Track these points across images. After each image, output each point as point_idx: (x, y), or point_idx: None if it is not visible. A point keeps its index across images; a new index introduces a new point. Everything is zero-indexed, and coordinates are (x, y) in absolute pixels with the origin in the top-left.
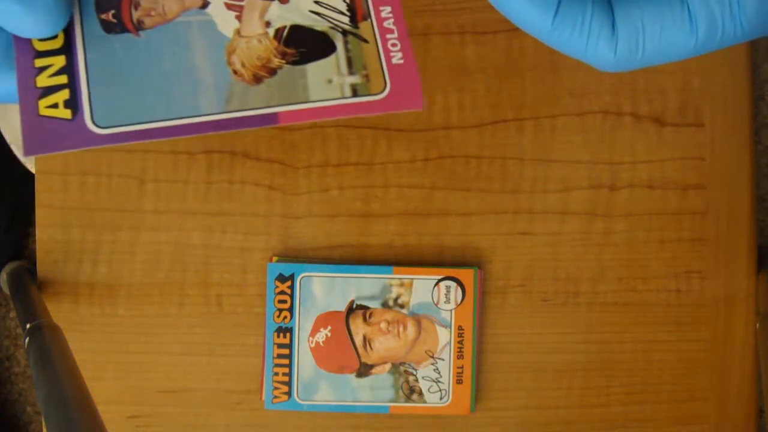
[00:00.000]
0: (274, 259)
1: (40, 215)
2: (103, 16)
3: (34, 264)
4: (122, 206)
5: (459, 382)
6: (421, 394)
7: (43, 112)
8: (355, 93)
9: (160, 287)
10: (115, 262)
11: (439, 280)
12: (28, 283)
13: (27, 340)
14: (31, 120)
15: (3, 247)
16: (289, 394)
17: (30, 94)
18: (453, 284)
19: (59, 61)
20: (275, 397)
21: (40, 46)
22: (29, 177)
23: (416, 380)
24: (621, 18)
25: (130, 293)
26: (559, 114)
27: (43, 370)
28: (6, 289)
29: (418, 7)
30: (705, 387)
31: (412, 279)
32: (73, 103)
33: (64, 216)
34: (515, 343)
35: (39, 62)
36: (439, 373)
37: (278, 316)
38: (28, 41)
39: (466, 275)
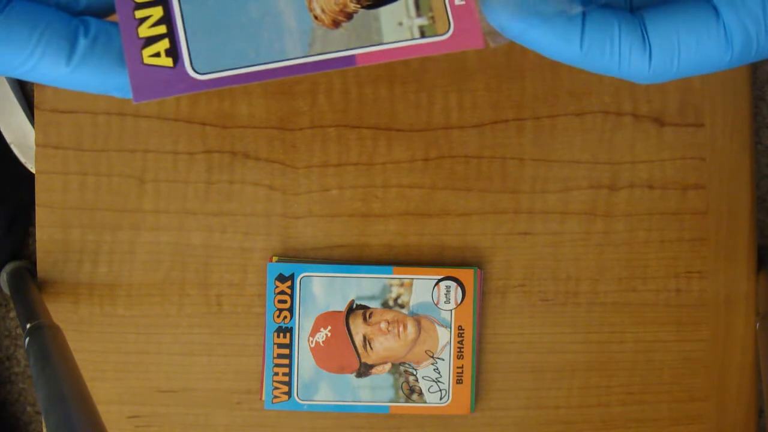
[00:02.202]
0: (274, 259)
1: (40, 215)
2: None
3: (34, 264)
4: (122, 206)
5: (459, 382)
6: (421, 394)
7: (147, 60)
8: (422, 34)
9: (160, 287)
10: (115, 262)
11: (439, 280)
12: (28, 283)
13: (27, 340)
14: (137, 69)
15: (3, 247)
16: (289, 394)
17: (134, 44)
18: (453, 284)
19: (157, 11)
20: (275, 397)
21: None
22: (29, 177)
23: (416, 380)
24: (654, 32)
25: (130, 293)
26: (559, 114)
27: (43, 370)
28: (6, 289)
29: None
30: (705, 387)
31: (412, 279)
32: (173, 52)
33: (64, 216)
34: (515, 343)
35: (139, 13)
36: (439, 373)
37: (278, 316)
38: None
39: (466, 275)
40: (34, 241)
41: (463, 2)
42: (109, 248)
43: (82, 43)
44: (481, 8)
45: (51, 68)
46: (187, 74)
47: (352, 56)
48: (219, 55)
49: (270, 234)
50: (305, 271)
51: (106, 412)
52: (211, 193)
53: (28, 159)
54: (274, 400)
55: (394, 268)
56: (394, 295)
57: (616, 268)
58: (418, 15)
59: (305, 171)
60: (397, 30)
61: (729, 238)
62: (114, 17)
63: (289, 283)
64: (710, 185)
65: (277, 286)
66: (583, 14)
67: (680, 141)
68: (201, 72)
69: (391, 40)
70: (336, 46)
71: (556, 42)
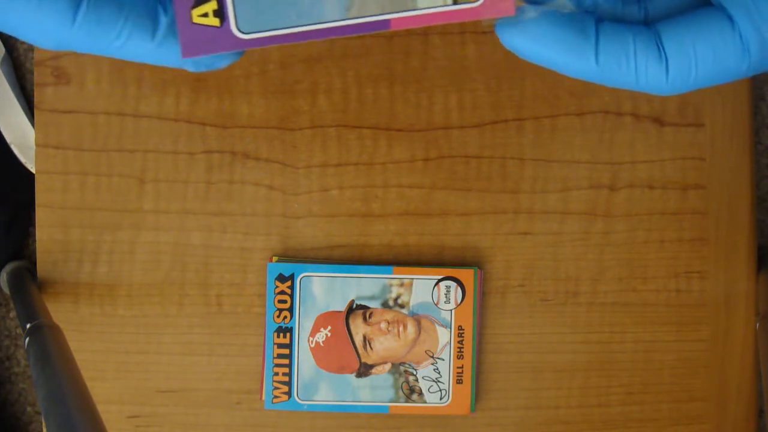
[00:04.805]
0: (274, 259)
1: (40, 215)
2: None
3: (34, 264)
4: (122, 206)
5: (459, 382)
6: (421, 394)
7: (196, 20)
8: (455, 1)
9: (160, 287)
10: (115, 262)
11: (439, 280)
12: (28, 283)
13: (27, 340)
14: (186, 27)
15: (3, 247)
16: (289, 394)
17: (184, 5)
18: (453, 284)
19: None
20: (275, 397)
21: None
22: (29, 177)
23: (416, 380)
24: (670, 44)
25: (130, 293)
26: (559, 114)
27: (43, 370)
28: (6, 289)
29: None
30: (705, 387)
31: (412, 279)
32: (220, 13)
33: (64, 216)
34: (515, 343)
35: None
36: (439, 373)
37: (278, 316)
38: None
39: (466, 275)
40: (34, 241)
41: None
42: (109, 248)
43: (163, 20)
44: (496, 31)
45: (138, 45)
46: (232, 33)
47: (387, 20)
48: (262, 16)
49: (270, 234)
50: (305, 271)
51: (106, 412)
52: (211, 193)
53: (28, 159)
54: (274, 400)
55: (394, 268)
56: (394, 295)
57: (616, 268)
58: None
59: (305, 171)
60: None
61: (729, 238)
62: None
63: (289, 283)
64: (710, 185)
65: (277, 286)
66: (597, 29)
67: (680, 141)
68: (245, 32)
69: (424, 6)
70: (372, 11)
71: (571, 59)
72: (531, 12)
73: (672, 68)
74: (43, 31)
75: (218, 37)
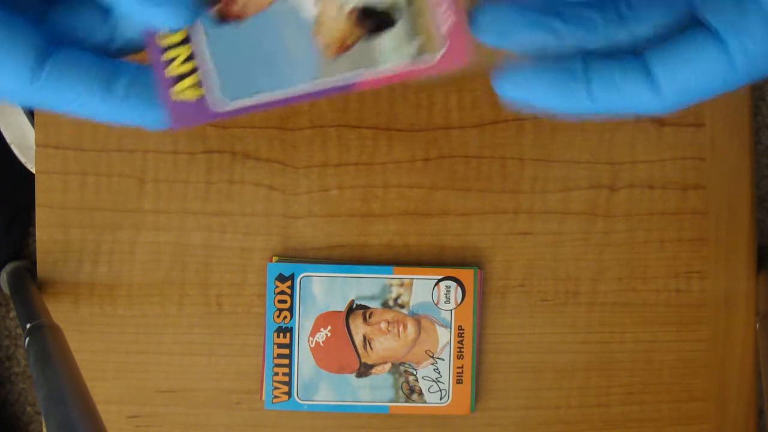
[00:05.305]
0: (274, 259)
1: (40, 215)
2: (213, 9)
3: (34, 264)
4: (122, 206)
5: (459, 382)
6: (421, 394)
7: (177, 96)
8: (416, 57)
9: (160, 287)
10: (115, 262)
11: (439, 280)
12: (28, 283)
13: (27, 340)
14: (168, 104)
15: (3, 247)
16: (289, 394)
17: (165, 83)
18: (453, 284)
19: (184, 51)
20: (275, 397)
21: (166, 42)
22: (29, 177)
23: (416, 380)
24: (660, 70)
25: (130, 293)
26: None
27: (43, 370)
28: (6, 289)
29: None
30: (705, 387)
31: (412, 279)
32: (199, 86)
33: (64, 216)
34: (515, 343)
35: (167, 55)
36: (439, 373)
37: (278, 316)
38: (157, 40)
39: (466, 275)
40: (34, 241)
41: (453, 25)
42: (109, 248)
43: (119, 85)
44: (492, 83)
45: (93, 108)
46: (212, 105)
47: (352, 83)
48: (239, 86)
49: (270, 234)
50: (305, 271)
51: (106, 412)
52: (211, 193)
53: (28, 159)
54: (274, 400)
55: (394, 268)
56: (394, 295)
57: (616, 268)
58: (411, 41)
59: (305, 171)
60: (392, 56)
61: (729, 238)
62: (145, 56)
63: (289, 283)
64: (710, 185)
65: (277, 286)
66: (586, 68)
67: (680, 141)
68: (224, 102)
69: (387, 66)
70: (338, 74)
71: (565, 102)
72: (519, 65)
73: (664, 93)
74: (4, 92)
75: (199, 110)
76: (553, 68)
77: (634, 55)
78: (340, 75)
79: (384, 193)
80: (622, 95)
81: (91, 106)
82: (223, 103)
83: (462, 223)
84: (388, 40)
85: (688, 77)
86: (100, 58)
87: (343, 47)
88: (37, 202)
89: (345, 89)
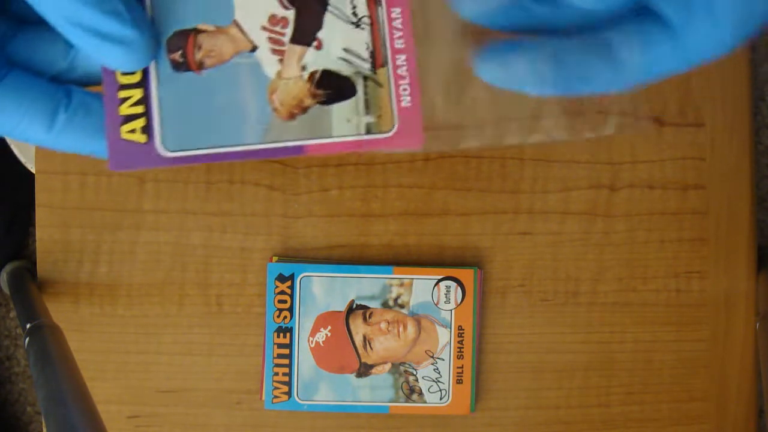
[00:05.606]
0: (274, 259)
1: (40, 215)
2: (172, 56)
3: (34, 264)
4: (122, 206)
5: (459, 382)
6: (421, 394)
7: (124, 136)
8: (368, 131)
9: (160, 287)
10: (115, 262)
11: (439, 280)
12: (28, 283)
13: (27, 340)
14: (115, 142)
15: (3, 247)
16: (289, 394)
17: (114, 121)
18: (453, 284)
19: (137, 93)
20: (275, 397)
21: (123, 80)
22: (29, 177)
23: (416, 380)
24: (621, 51)
25: (130, 293)
26: None
27: (43, 370)
28: (6, 289)
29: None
30: (705, 387)
31: (412, 279)
32: (147, 130)
33: (64, 216)
34: (515, 343)
35: (122, 94)
36: (439, 373)
37: (278, 316)
38: (114, 78)
39: (466, 275)
40: (34, 241)
41: (410, 105)
42: (109, 248)
43: (62, 116)
44: (474, 67)
45: (36, 134)
46: (156, 151)
47: (302, 146)
48: (186, 136)
49: (270, 234)
50: (305, 271)
51: (106, 412)
52: (211, 193)
53: (28, 159)
54: (274, 400)
55: (394, 268)
56: (394, 295)
57: (616, 268)
58: (367, 113)
59: (305, 171)
60: (345, 126)
61: (729, 238)
62: (99, 88)
63: (289, 283)
64: (710, 185)
65: (277, 286)
66: (553, 52)
67: (680, 141)
68: (169, 150)
69: (339, 134)
70: (289, 136)
71: (534, 82)
72: (496, 47)
73: (623, 74)
74: None
75: (144, 153)
76: (525, 49)
77: (595, 37)
78: (292, 138)
79: (384, 193)
80: (586, 79)
81: (32, 133)
82: (163, 152)
83: (462, 223)
84: (343, 110)
85: (645, 59)
86: (51, 86)
87: (299, 109)
88: (37, 202)
89: (294, 152)
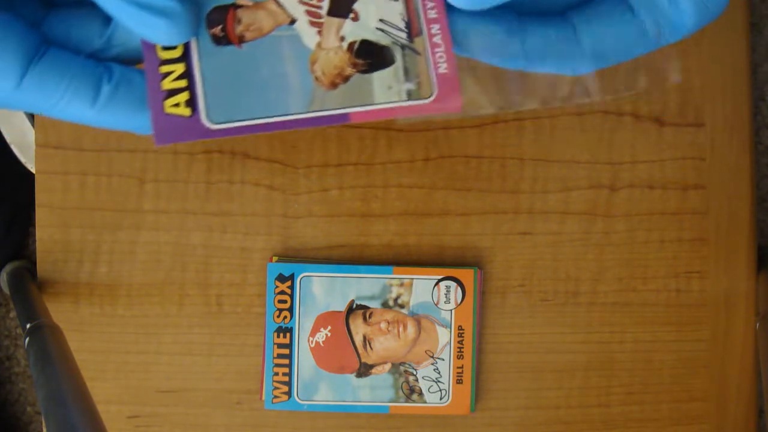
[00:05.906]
0: (274, 259)
1: (40, 215)
2: (213, 31)
3: (34, 264)
4: (122, 206)
5: (459, 382)
6: (421, 394)
7: (168, 110)
8: (409, 97)
9: (160, 287)
10: (115, 262)
11: (439, 280)
12: (28, 283)
13: (27, 340)
14: (158, 116)
15: (3, 247)
16: (289, 394)
17: (157, 95)
18: (453, 284)
19: (179, 68)
20: (275, 397)
21: (164, 56)
22: (29, 177)
23: (416, 380)
24: (584, 33)
25: (130, 293)
26: (559, 114)
27: (43, 370)
28: (6, 289)
29: None
30: (705, 387)
31: (412, 279)
32: (191, 103)
33: (64, 216)
34: (515, 343)
35: (163, 69)
36: (439, 373)
37: (278, 316)
38: (155, 53)
39: (466, 275)
40: (34, 241)
41: (447, 71)
42: (109, 248)
43: (106, 89)
44: (453, 47)
45: (78, 110)
46: (201, 123)
47: (346, 114)
48: (230, 108)
49: (270, 234)
50: (305, 271)
51: (106, 412)
52: (211, 193)
53: (28, 159)
54: (274, 400)
55: (394, 268)
56: (394, 295)
57: (616, 268)
58: (407, 80)
59: (305, 171)
60: (387, 93)
61: (729, 238)
62: (139, 65)
63: (289, 283)
64: (710, 185)
65: (277, 286)
66: (522, 28)
67: (680, 141)
68: (214, 122)
69: (381, 101)
70: (332, 105)
71: (502, 55)
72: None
73: (587, 53)
74: None
75: (188, 126)
76: (495, 24)
77: (562, 18)
78: (335, 106)
79: (384, 193)
80: (551, 52)
81: (74, 109)
82: (208, 124)
83: (462, 223)
84: (383, 78)
85: (609, 41)
86: (90, 61)
87: (340, 79)
88: (37, 202)
89: (339, 120)
